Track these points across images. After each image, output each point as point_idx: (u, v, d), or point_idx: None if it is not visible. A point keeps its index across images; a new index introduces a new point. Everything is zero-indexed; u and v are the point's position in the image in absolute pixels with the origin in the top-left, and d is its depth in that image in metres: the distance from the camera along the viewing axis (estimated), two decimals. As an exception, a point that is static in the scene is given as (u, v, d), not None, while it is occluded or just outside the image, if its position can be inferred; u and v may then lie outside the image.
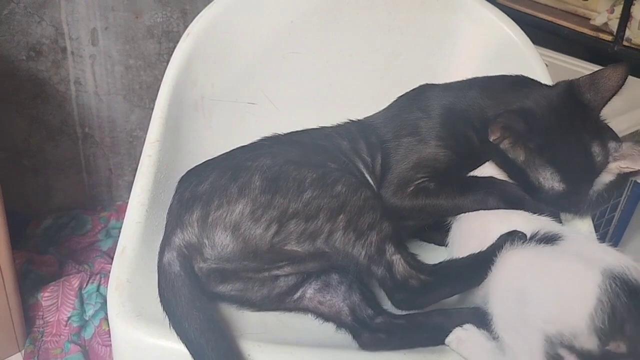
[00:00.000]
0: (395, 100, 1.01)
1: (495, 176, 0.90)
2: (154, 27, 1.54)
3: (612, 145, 0.86)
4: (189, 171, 0.88)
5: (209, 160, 0.90)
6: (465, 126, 0.92)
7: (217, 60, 1.06)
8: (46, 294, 1.33)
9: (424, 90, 1.00)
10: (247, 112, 1.09)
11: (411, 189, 0.89)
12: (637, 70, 0.89)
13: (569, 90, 0.88)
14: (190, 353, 0.72)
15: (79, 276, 1.38)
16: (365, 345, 0.78)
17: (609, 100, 0.87)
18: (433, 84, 1.01)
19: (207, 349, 0.71)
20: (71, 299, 1.34)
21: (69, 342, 1.29)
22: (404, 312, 0.81)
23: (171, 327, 0.73)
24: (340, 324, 0.81)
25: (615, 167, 0.87)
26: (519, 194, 0.87)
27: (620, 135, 1.48)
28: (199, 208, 0.77)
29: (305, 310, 0.83)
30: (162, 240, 0.80)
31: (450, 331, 0.77)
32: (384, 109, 1.01)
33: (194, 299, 0.74)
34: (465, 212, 0.88)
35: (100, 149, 1.61)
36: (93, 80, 1.53)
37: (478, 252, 0.80)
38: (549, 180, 0.85)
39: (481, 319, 0.76)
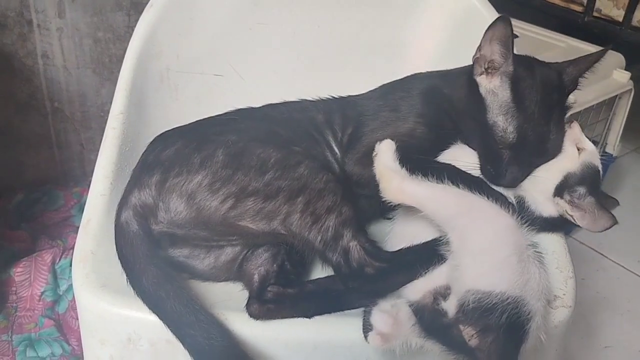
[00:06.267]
0: (382, 85, 1.00)
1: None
2: (122, -1, 1.51)
3: (581, 190, 0.84)
4: (157, 136, 0.89)
5: (177, 127, 0.90)
6: (445, 102, 0.92)
7: (182, 31, 1.05)
8: (19, 269, 1.33)
9: (409, 77, 1.00)
10: (214, 84, 1.09)
11: None
12: (606, 41, 0.89)
13: (556, 66, 0.89)
14: (149, 308, 0.73)
15: (52, 251, 1.37)
16: (253, 315, 0.76)
17: (585, 71, 0.88)
18: (419, 72, 1.00)
19: (167, 300, 0.72)
20: (44, 274, 1.34)
21: (42, 317, 1.29)
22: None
23: (129, 284, 0.74)
24: (249, 291, 0.80)
25: (563, 205, 0.84)
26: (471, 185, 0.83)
27: (587, 105, 1.52)
28: (159, 172, 0.79)
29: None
30: (120, 200, 0.81)
31: (342, 295, 0.78)
32: (369, 91, 1.00)
33: (151, 255, 0.76)
34: None
35: (71, 123, 1.59)
36: (61, 54, 1.50)
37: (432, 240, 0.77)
38: (506, 123, 0.82)
39: None
